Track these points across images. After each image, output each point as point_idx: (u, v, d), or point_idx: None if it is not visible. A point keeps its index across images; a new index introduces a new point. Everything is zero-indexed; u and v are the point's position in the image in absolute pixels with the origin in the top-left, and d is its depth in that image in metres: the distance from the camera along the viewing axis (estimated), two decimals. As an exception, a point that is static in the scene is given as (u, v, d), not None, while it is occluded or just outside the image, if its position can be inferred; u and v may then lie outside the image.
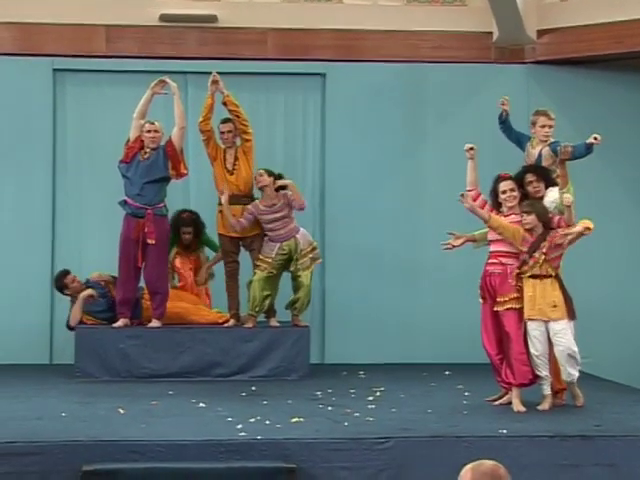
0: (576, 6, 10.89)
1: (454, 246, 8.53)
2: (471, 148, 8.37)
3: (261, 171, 9.80)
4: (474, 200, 8.26)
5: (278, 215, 9.74)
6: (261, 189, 9.80)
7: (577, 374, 8.08)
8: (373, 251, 10.96)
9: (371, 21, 11.04)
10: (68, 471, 6.48)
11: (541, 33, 11.09)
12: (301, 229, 9.91)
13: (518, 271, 8.02)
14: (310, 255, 9.89)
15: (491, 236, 8.22)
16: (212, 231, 10.13)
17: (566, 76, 11.16)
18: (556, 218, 8.03)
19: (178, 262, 10.37)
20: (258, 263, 9.79)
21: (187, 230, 10.25)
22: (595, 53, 10.85)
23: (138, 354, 9.58)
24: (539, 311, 7.96)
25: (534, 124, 8.65)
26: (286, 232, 9.78)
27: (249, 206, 9.81)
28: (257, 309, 9.80)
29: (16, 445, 6.59)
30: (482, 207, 8.19)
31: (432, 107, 11.17)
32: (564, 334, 7.96)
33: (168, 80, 9.74)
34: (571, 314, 8.01)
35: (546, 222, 7.98)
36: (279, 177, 9.86)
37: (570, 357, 7.97)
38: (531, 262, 7.97)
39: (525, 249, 7.98)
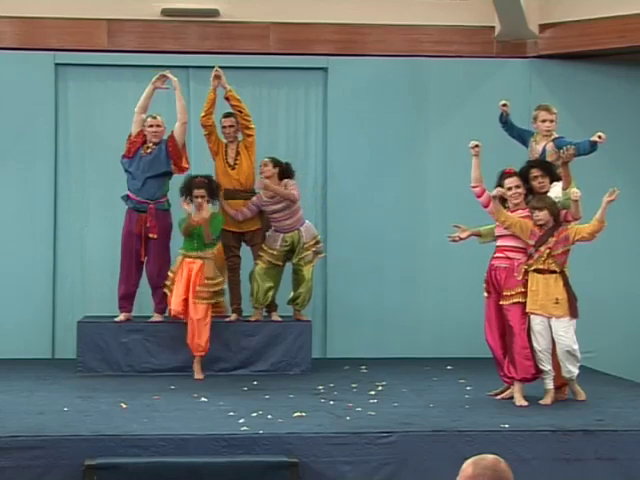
0: (578, 0, 10.88)
1: (461, 238, 8.54)
2: (476, 145, 8.36)
3: (266, 160, 9.75)
4: (479, 197, 8.27)
5: (279, 206, 9.69)
6: (266, 179, 9.75)
7: (577, 372, 8.08)
8: (375, 245, 10.95)
9: (373, 15, 11.03)
10: (70, 465, 6.49)
11: (543, 27, 11.08)
12: (306, 222, 9.89)
13: (526, 266, 8.02)
14: (313, 249, 9.87)
15: (499, 231, 8.22)
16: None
17: (568, 70, 11.15)
18: (562, 212, 8.04)
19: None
20: (261, 254, 9.77)
21: (199, 193, 9.38)
22: (597, 47, 10.83)
23: (140, 348, 9.58)
24: (541, 306, 7.97)
25: (535, 119, 8.67)
26: (291, 223, 9.75)
27: (254, 197, 9.79)
28: (261, 301, 9.79)
29: (19, 439, 6.61)
30: (487, 204, 8.19)
31: (434, 102, 11.16)
32: (565, 332, 7.97)
33: (169, 75, 9.76)
34: (573, 312, 8.01)
35: (556, 217, 7.99)
36: (287, 166, 9.83)
37: (570, 355, 7.98)
38: (536, 255, 7.99)
39: (532, 242, 7.99)
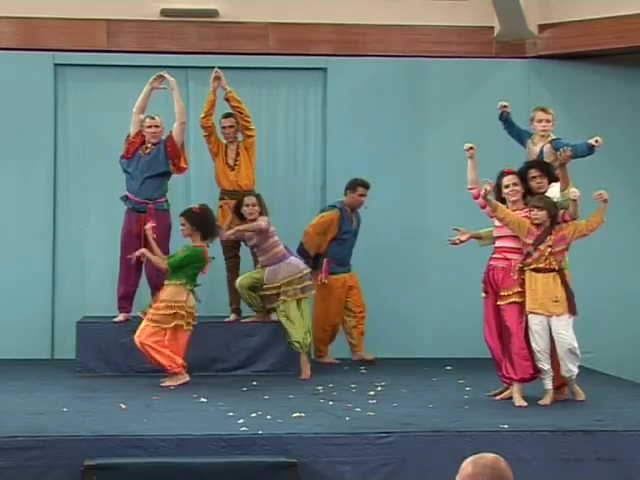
0: (578, 0, 10.89)
1: (461, 241, 8.54)
2: (470, 147, 8.37)
3: (254, 200, 9.50)
4: (476, 198, 8.27)
5: (250, 243, 9.59)
6: (250, 219, 9.49)
7: (576, 371, 8.08)
8: (374, 246, 10.94)
9: (372, 16, 11.03)
10: (70, 466, 6.48)
11: (542, 28, 11.09)
12: (280, 264, 9.46)
13: (521, 265, 8.02)
14: (275, 291, 9.47)
15: (497, 232, 8.22)
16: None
17: (567, 71, 11.16)
18: (560, 212, 8.05)
19: None
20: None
21: (180, 221, 9.19)
22: (597, 48, 10.84)
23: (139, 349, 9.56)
24: (541, 305, 7.97)
25: (532, 120, 8.70)
26: (263, 261, 9.55)
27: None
28: (259, 305, 9.77)
29: (18, 440, 6.60)
30: (484, 205, 8.19)
31: (433, 102, 11.17)
32: (566, 330, 7.97)
33: (166, 75, 9.75)
34: (572, 309, 8.02)
35: (554, 217, 7.99)
36: (258, 197, 9.61)
37: (571, 353, 7.98)
38: (536, 254, 7.98)
39: (530, 241, 7.99)
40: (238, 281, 9.69)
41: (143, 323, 9.01)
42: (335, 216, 10.20)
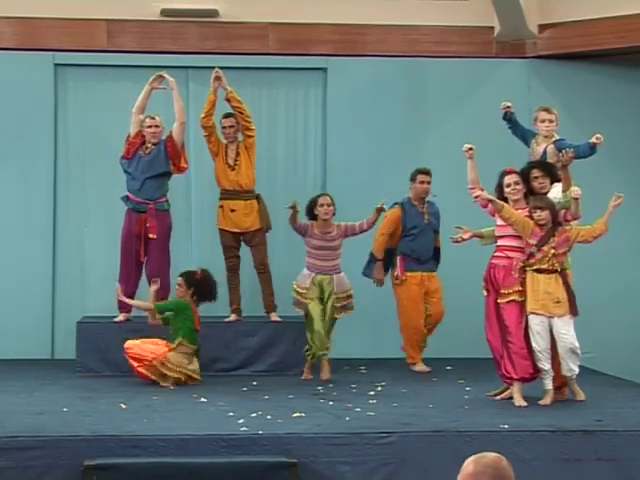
0: (578, 1, 10.89)
1: (463, 239, 8.55)
2: (470, 148, 8.37)
3: (329, 200, 9.44)
4: (476, 198, 8.27)
5: (329, 244, 9.43)
6: (324, 219, 9.42)
7: (577, 370, 8.09)
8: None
9: (372, 16, 11.03)
10: (70, 466, 6.49)
11: (542, 28, 11.09)
12: (342, 273, 9.52)
13: (522, 264, 8.03)
14: (344, 302, 9.48)
15: (499, 231, 8.22)
16: (212, 226, 10.10)
17: (567, 71, 11.16)
18: (562, 212, 8.05)
19: None
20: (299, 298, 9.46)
21: (177, 280, 9.24)
22: (597, 48, 10.84)
23: (139, 349, 9.57)
24: (542, 306, 7.97)
25: (535, 120, 8.73)
26: (328, 267, 9.43)
27: (307, 221, 9.49)
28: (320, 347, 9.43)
29: (18, 440, 6.61)
30: (486, 204, 8.19)
31: (433, 102, 11.17)
32: (567, 330, 7.98)
33: (166, 75, 9.76)
34: (574, 310, 8.02)
35: (555, 217, 8.00)
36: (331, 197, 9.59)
37: (572, 352, 7.99)
38: (539, 255, 7.98)
39: (533, 242, 7.99)
40: (318, 329, 9.29)
41: (145, 347, 8.91)
42: (396, 214, 9.99)
